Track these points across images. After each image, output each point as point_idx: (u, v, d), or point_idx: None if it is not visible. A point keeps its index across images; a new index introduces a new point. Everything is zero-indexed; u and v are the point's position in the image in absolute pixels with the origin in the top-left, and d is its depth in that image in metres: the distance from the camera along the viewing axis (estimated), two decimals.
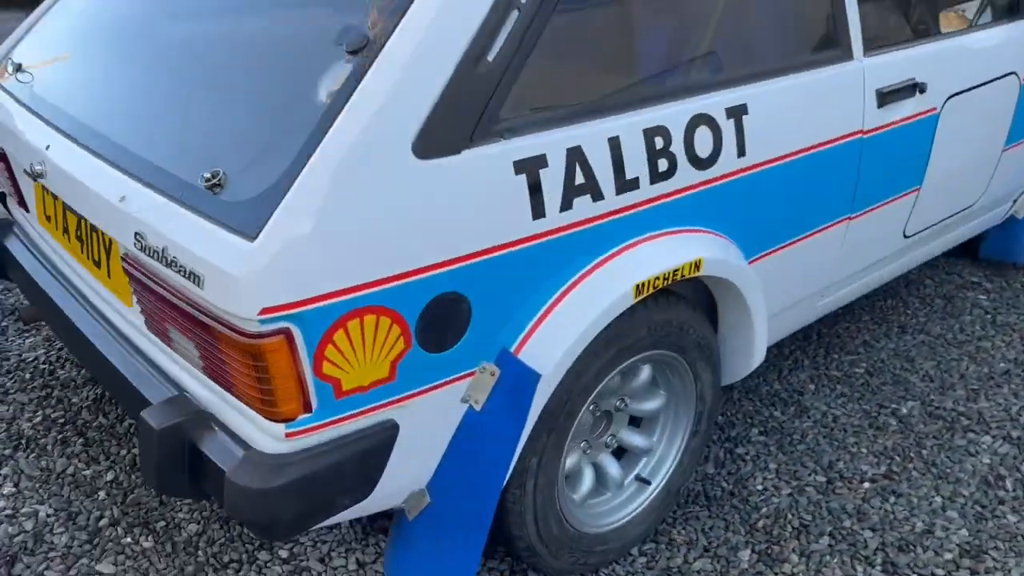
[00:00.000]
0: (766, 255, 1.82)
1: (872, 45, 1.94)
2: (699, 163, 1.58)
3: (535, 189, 1.36)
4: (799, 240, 1.89)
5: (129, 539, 1.81)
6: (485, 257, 1.33)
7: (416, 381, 1.34)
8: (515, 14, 1.34)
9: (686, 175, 1.57)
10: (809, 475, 2.06)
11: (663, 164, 1.53)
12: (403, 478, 1.43)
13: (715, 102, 1.60)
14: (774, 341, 2.12)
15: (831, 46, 1.86)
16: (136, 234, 1.34)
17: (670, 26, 1.60)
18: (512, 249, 1.36)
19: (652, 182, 1.52)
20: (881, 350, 2.57)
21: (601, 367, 1.54)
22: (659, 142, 1.51)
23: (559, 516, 1.62)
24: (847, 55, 1.87)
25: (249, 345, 1.19)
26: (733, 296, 1.74)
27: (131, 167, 1.42)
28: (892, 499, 1.99)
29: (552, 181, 1.38)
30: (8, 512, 1.87)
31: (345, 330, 1.23)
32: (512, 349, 1.42)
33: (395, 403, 1.33)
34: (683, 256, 1.55)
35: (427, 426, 1.40)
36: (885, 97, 1.93)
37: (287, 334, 1.19)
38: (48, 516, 1.87)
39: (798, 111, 1.76)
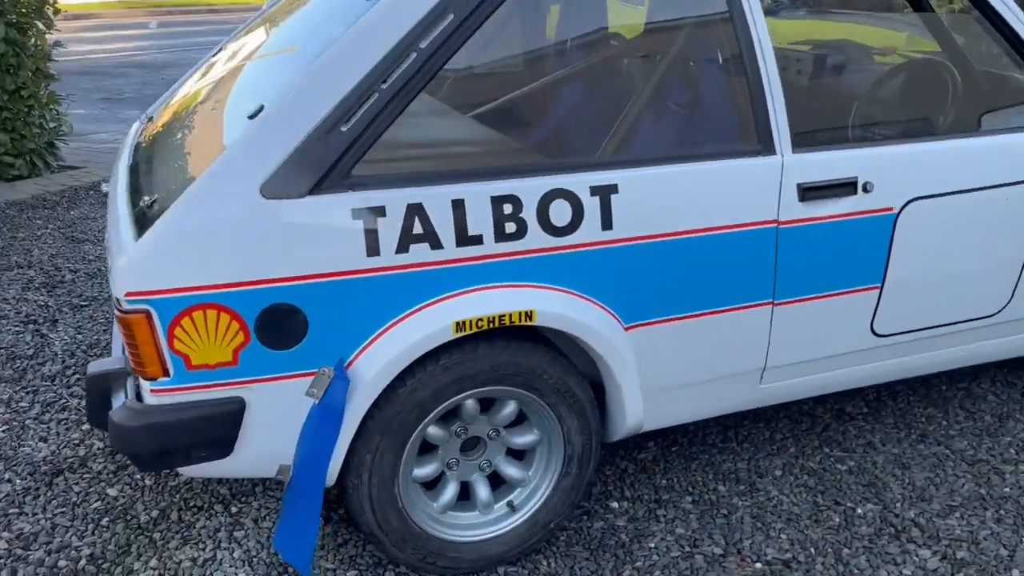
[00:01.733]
0: (650, 324, 1.98)
1: (808, 142, 2.04)
2: (554, 230, 1.83)
3: (371, 233, 1.71)
4: (698, 315, 2.02)
5: (140, 475, 2.35)
6: (320, 280, 1.70)
7: (258, 370, 1.73)
8: (375, 96, 1.72)
9: (537, 239, 1.82)
10: (708, 546, 2.14)
11: (511, 227, 1.80)
12: (263, 450, 1.81)
13: (578, 180, 1.84)
14: (703, 415, 2.23)
15: (748, 141, 2.00)
16: None
17: (535, 111, 1.88)
18: (346, 277, 1.72)
19: (497, 241, 1.80)
20: (880, 453, 2.52)
21: (438, 389, 1.83)
22: (508, 208, 1.79)
23: (400, 513, 1.91)
24: (768, 150, 2.00)
25: (122, 318, 1.66)
26: (594, 354, 1.93)
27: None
28: None
29: (389, 228, 1.72)
30: (72, 437, 2.51)
31: (191, 318, 1.66)
32: (349, 359, 1.76)
33: (241, 384, 1.73)
34: (515, 305, 1.80)
35: (277, 409, 1.78)
36: (809, 192, 2.02)
37: (147, 314, 1.64)
38: (97, 449, 2.47)
39: (688, 195, 1.93)
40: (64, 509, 2.24)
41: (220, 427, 1.75)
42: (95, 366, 1.89)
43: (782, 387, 2.27)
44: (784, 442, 2.58)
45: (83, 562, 2.06)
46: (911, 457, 2.50)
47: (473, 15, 1.79)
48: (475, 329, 1.78)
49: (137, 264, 1.63)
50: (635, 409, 2.02)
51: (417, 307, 1.78)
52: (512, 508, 2.04)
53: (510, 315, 1.80)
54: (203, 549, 2.10)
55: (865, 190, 2.08)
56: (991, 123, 2.34)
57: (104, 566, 2.05)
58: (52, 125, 5.66)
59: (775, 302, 2.09)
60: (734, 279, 2.03)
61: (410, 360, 1.76)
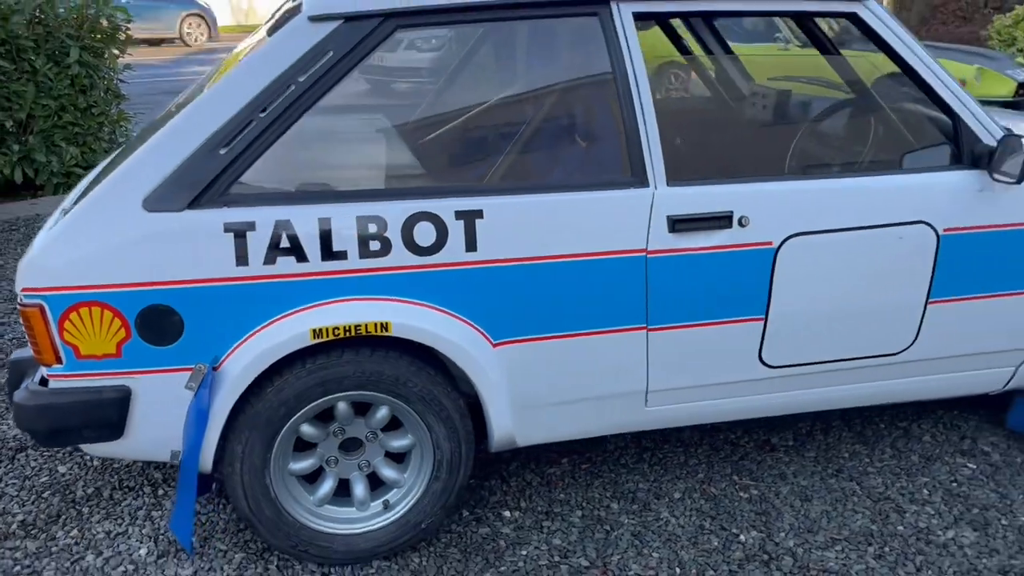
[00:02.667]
0: (520, 341, 2.11)
1: (684, 177, 2.14)
2: (418, 250, 1.99)
3: (241, 245, 1.91)
4: (569, 336, 2.14)
5: (90, 457, 2.62)
6: (193, 286, 1.91)
7: (140, 363, 1.95)
8: (253, 123, 1.93)
9: (400, 257, 1.99)
10: (578, 557, 2.23)
11: (375, 245, 1.97)
12: (151, 435, 2.03)
13: (444, 205, 2.00)
14: (591, 433, 2.33)
15: (622, 174, 2.12)
16: None
17: (407, 141, 2.04)
18: (217, 284, 1.92)
19: (361, 257, 1.97)
20: (788, 484, 2.55)
21: (303, 390, 2.01)
22: (373, 228, 1.96)
23: (273, 502, 2.09)
24: (640, 183, 2.11)
25: (21, 310, 1.91)
26: (455, 367, 2.07)
27: None
28: None
29: (258, 239, 1.92)
30: None
31: (78, 313, 1.89)
32: (221, 357, 1.96)
33: (125, 374, 1.96)
34: (372, 317, 1.97)
35: (160, 399, 1.99)
36: (679, 224, 2.11)
37: (41, 308, 1.88)
38: None
39: (557, 222, 2.05)
40: (16, 481, 2.53)
41: (107, 411, 1.97)
42: (16, 353, 2.15)
43: (671, 411, 2.35)
44: (696, 467, 2.64)
45: (15, 527, 2.32)
46: (816, 490, 2.52)
47: (351, 54, 1.98)
48: (332, 337, 1.96)
49: (33, 263, 1.88)
50: (502, 422, 2.15)
51: (282, 314, 1.96)
52: (387, 507, 2.20)
53: (366, 325, 1.97)
54: (119, 524, 2.33)
55: (741, 224, 2.16)
56: (882, 164, 2.37)
57: (32, 532, 2.31)
58: (121, 140, 6.16)
59: (649, 327, 2.19)
60: (604, 303, 2.13)
61: (270, 361, 1.95)
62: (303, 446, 2.16)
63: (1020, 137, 2.20)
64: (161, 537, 2.29)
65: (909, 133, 2.44)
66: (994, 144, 2.26)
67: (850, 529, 2.35)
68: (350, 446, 2.20)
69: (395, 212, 1.98)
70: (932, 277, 2.32)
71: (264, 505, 2.09)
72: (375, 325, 1.97)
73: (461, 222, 2.01)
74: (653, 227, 2.11)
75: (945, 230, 2.28)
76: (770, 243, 2.18)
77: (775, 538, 2.32)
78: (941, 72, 2.30)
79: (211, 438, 2.00)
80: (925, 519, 2.39)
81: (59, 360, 1.93)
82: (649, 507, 2.45)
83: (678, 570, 2.20)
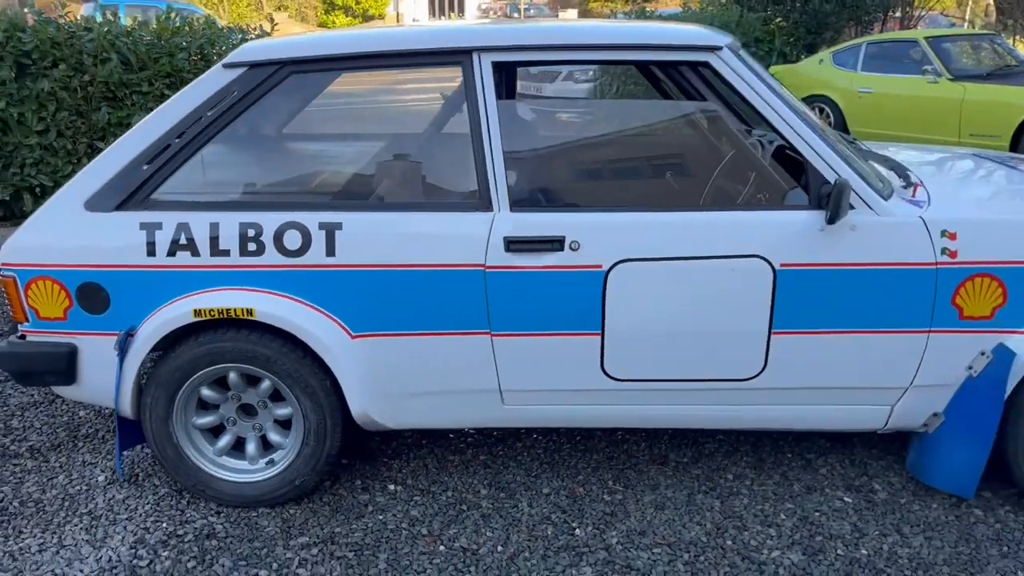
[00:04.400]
0: (376, 336, 2.51)
1: (527, 204, 2.46)
2: (288, 253, 2.46)
3: (150, 240, 2.47)
4: (419, 334, 2.51)
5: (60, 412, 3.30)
6: (115, 269, 2.49)
7: (81, 326, 2.55)
8: (170, 146, 2.49)
9: (272, 257, 2.46)
10: (421, 526, 2.58)
11: (252, 246, 2.46)
12: (96, 384, 2.62)
13: (310, 217, 2.45)
14: (457, 424, 2.68)
15: (471, 199, 2.47)
16: None
17: (287, 165, 2.51)
18: (132, 269, 2.49)
19: (241, 256, 2.47)
20: (655, 494, 2.75)
21: (193, 359, 2.52)
22: (251, 232, 2.46)
23: (175, 447, 2.61)
24: (485, 208, 2.46)
25: (1, 279, 2.57)
26: (311, 352, 2.50)
27: None
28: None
29: (163, 237, 2.47)
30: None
31: (36, 284, 2.53)
32: (137, 327, 2.53)
33: (72, 334, 2.57)
34: (240, 303, 2.45)
35: (100, 356, 2.58)
36: (513, 244, 2.43)
37: (13, 279, 2.54)
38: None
39: (408, 236, 2.44)
40: (43, 417, 3.25)
41: (60, 362, 2.59)
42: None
43: (528, 411, 2.64)
44: (581, 469, 2.89)
45: (24, 449, 3.02)
46: (676, 502, 2.70)
47: (250, 94, 2.50)
48: (208, 317, 2.46)
49: (9, 245, 2.53)
50: (358, 404, 2.55)
51: (179, 297, 2.50)
52: (271, 464, 2.67)
53: (234, 310, 2.45)
54: (95, 456, 2.96)
55: (572, 248, 2.44)
56: (720, 201, 2.54)
57: (35, 454, 2.99)
58: None
59: (493, 333, 2.51)
60: (450, 308, 2.49)
61: (164, 333, 2.48)
62: (208, 406, 2.68)
63: (844, 182, 2.31)
64: (109, 467, 2.90)
65: (776, 174, 2.59)
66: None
67: (679, 537, 2.53)
68: (251, 410, 2.69)
69: (270, 221, 2.46)
70: (772, 308, 2.46)
71: (168, 449, 2.63)
72: (242, 310, 2.46)
73: (324, 232, 2.46)
74: (491, 246, 2.44)
75: (782, 265, 2.43)
76: (600, 266, 2.44)
77: (605, 535, 2.54)
78: (793, 118, 2.45)
79: (126, 390, 2.56)
80: (760, 539, 2.52)
81: (27, 319, 2.57)
82: (513, 497, 2.74)
83: (499, 548, 2.49)
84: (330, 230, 2.46)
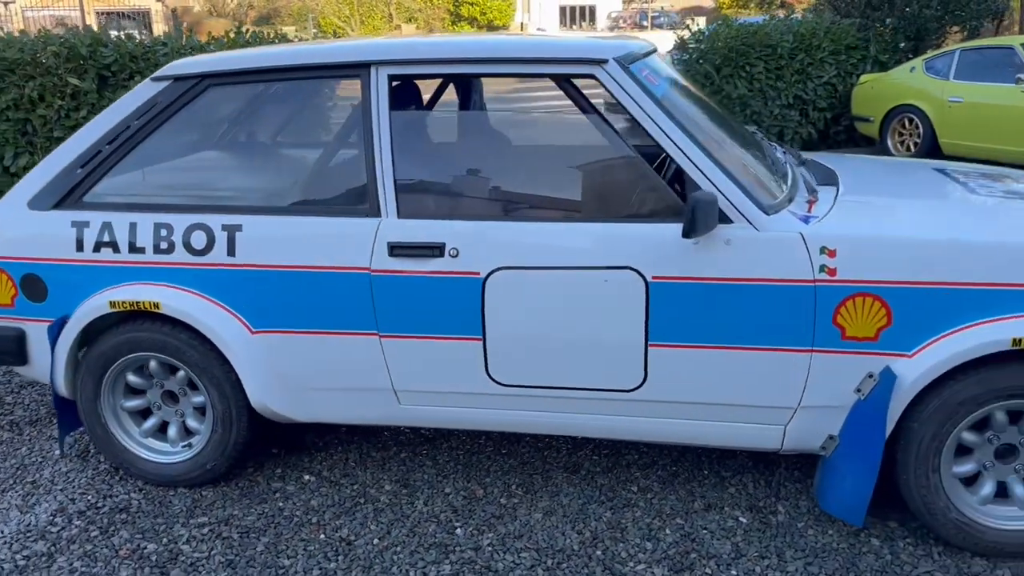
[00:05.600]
0: (273, 332, 2.67)
1: (413, 212, 2.56)
2: (194, 252, 2.66)
3: (79, 236, 2.72)
4: (312, 332, 2.65)
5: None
6: (50, 262, 2.76)
7: (26, 313, 2.84)
8: (101, 152, 2.74)
9: (181, 256, 2.66)
10: (312, 515, 2.71)
11: (163, 246, 2.67)
12: (43, 366, 2.90)
13: (214, 219, 2.64)
14: (356, 420, 2.79)
15: (361, 205, 2.60)
16: None
17: (198, 171, 2.71)
18: (64, 263, 2.75)
19: (154, 253, 2.68)
20: (550, 500, 2.78)
21: (115, 346, 2.75)
22: (164, 232, 2.67)
23: (103, 427, 2.85)
24: (374, 214, 2.58)
25: None
26: (212, 345, 2.68)
27: None
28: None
29: (90, 234, 2.72)
30: None
31: None
32: (70, 316, 2.78)
33: (19, 320, 2.86)
34: (148, 297, 2.66)
35: (44, 342, 2.86)
36: (396, 250, 2.54)
37: None
38: None
39: (301, 239, 2.59)
40: (38, 396, 3.58)
41: (11, 344, 2.88)
42: None
43: (423, 411, 2.73)
44: (493, 472, 2.95)
45: (5, 423, 3.35)
46: (568, 510, 2.72)
47: (172, 104, 2.71)
48: (123, 308, 2.68)
49: None
50: (257, 396, 2.71)
51: (101, 290, 2.74)
52: (189, 448, 2.87)
53: (143, 303, 2.67)
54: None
55: (452, 255, 2.52)
56: (595, 213, 2.54)
57: (14, 428, 3.32)
58: None
59: (381, 334, 2.62)
60: (339, 308, 2.61)
61: (86, 322, 2.72)
62: (137, 391, 2.90)
63: (704, 195, 2.28)
64: (75, 442, 3.18)
65: (662, 187, 2.56)
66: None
67: (552, 544, 2.56)
68: (175, 397, 2.91)
69: (180, 222, 2.67)
70: (647, 321, 2.46)
71: (97, 428, 2.87)
72: (150, 303, 2.67)
73: (226, 233, 2.64)
74: (376, 250, 2.56)
75: (654, 278, 2.42)
76: (478, 273, 2.51)
77: (481, 537, 2.60)
78: (674, 130, 2.44)
79: (59, 373, 2.82)
80: (632, 552, 2.52)
81: None
82: (414, 494, 2.84)
83: (376, 540, 2.59)
84: (231, 232, 2.63)
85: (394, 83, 2.62)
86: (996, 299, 2.28)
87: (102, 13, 27.25)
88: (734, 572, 2.43)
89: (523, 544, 2.56)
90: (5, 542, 2.61)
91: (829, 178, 2.86)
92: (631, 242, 2.43)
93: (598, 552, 2.52)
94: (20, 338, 2.87)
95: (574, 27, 40.16)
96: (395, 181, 2.57)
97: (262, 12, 34.76)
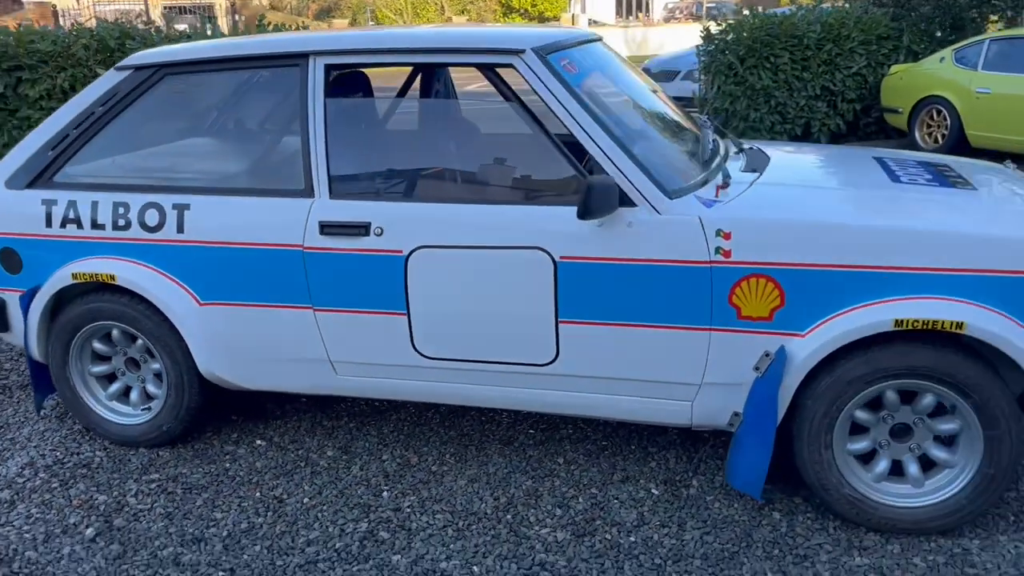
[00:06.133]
0: (219, 304, 2.87)
1: (344, 193, 2.74)
2: (148, 228, 2.88)
3: (48, 213, 2.97)
4: (253, 305, 2.84)
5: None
6: (23, 237, 3.01)
7: (5, 284, 3.10)
8: (68, 136, 2.98)
9: (137, 232, 2.89)
10: (255, 476, 2.92)
11: (121, 223, 2.90)
12: (19, 332, 3.17)
13: (165, 198, 2.85)
14: (300, 389, 2.97)
15: (297, 186, 2.78)
16: None
17: (154, 156, 2.92)
18: (35, 237, 3.00)
19: (113, 229, 2.91)
20: (475, 468, 2.93)
21: (80, 314, 2.99)
22: (121, 210, 2.90)
23: (72, 389, 3.10)
24: (308, 195, 2.76)
25: None
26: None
27: None
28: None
29: (57, 212, 2.96)
30: None
31: None
32: (42, 286, 3.03)
33: (1, 291, 3.12)
34: (105, 270, 2.88)
35: (18, 310, 3.12)
36: (326, 228, 2.72)
37: None
38: None
39: (242, 218, 2.79)
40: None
41: None
42: None
43: (359, 382, 2.91)
44: (434, 441, 3.12)
45: None
46: (493, 478, 2.87)
47: (132, 92, 2.94)
48: (83, 280, 2.92)
49: None
50: (204, 364, 2.92)
51: (67, 263, 2.97)
52: (148, 411, 3.10)
53: (100, 275, 2.90)
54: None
55: (377, 234, 2.68)
56: (512, 195, 2.67)
57: (3, 394, 3.60)
58: None
59: (315, 308, 2.80)
60: (276, 282, 2.80)
61: (53, 292, 2.97)
62: (103, 357, 3.14)
63: (598, 180, 2.40)
64: (56, 405, 3.44)
65: (577, 171, 2.68)
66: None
67: (468, 508, 2.70)
68: (138, 364, 3.14)
69: (136, 200, 2.89)
70: (556, 299, 2.59)
71: (66, 390, 3.12)
72: (106, 276, 2.89)
73: (176, 212, 2.85)
74: (308, 229, 2.74)
75: (561, 258, 2.55)
76: (400, 251, 2.67)
77: (404, 499, 2.77)
78: (584, 117, 2.56)
79: (31, 339, 3.08)
80: (541, 517, 2.65)
81: None
82: (352, 460, 3.02)
83: (306, 500, 2.78)
84: (181, 210, 2.84)
85: (332, 73, 2.79)
86: (880, 282, 2.36)
87: (167, 7, 28.20)
88: (632, 539, 2.55)
89: (441, 507, 2.72)
90: None
91: (758, 165, 2.95)
92: (541, 224, 2.56)
93: (508, 516, 2.67)
94: (2, 307, 3.14)
95: (629, 18, 39.94)
96: (328, 164, 2.74)
97: (323, 6, 35.42)
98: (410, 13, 24.81)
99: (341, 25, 24.74)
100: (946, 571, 2.37)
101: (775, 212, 2.48)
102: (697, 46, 9.56)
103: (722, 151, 3.06)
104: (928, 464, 2.53)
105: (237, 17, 25.97)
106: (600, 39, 3.22)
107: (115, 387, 3.16)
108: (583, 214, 2.41)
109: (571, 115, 2.56)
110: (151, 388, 3.11)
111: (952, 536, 2.51)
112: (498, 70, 2.73)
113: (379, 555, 2.50)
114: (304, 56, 2.79)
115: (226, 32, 7.20)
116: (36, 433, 3.26)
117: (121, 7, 27.70)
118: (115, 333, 3.05)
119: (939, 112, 8.55)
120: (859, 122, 9.54)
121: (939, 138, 8.58)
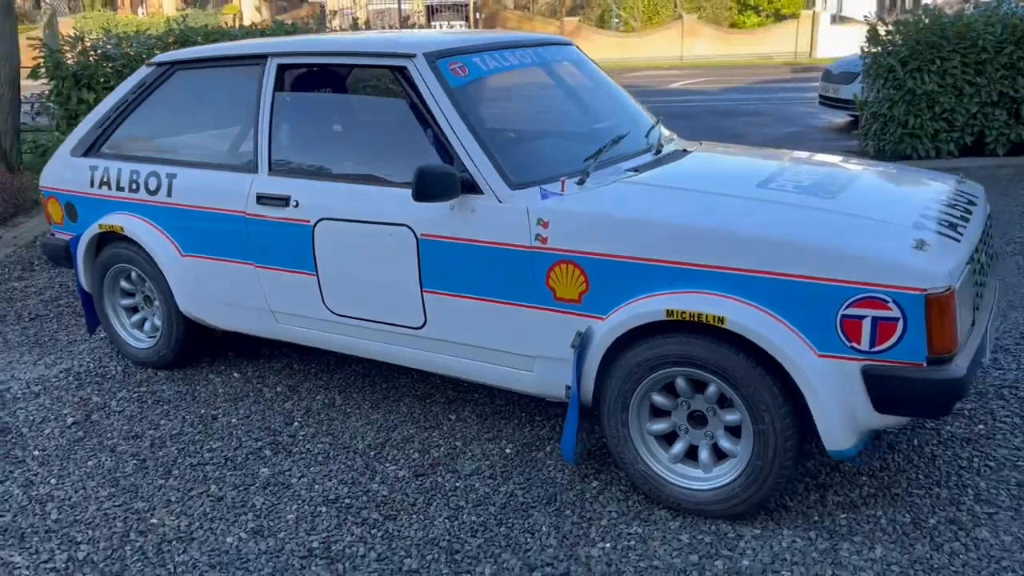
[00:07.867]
0: (192, 256, 3.56)
1: (279, 171, 3.33)
2: (150, 191, 3.64)
3: (93, 176, 3.82)
4: (210, 258, 3.51)
5: None
6: (77, 194, 3.89)
7: (68, 230, 4.00)
8: (111, 116, 3.82)
9: (143, 195, 3.65)
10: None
11: (134, 186, 3.68)
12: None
13: (163, 169, 3.60)
14: (258, 332, 3.59)
15: (246, 163, 3.41)
16: None
17: (167, 135, 3.67)
18: (85, 195, 3.86)
19: (128, 191, 3.70)
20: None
21: (107, 257, 3.81)
22: (135, 176, 3.68)
23: (106, 318, 3.94)
24: (253, 171, 3.38)
25: (43, 197, 4.12)
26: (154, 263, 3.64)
27: None
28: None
29: (97, 176, 3.80)
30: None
31: (49, 201, 4.03)
32: (86, 234, 3.89)
33: (67, 235, 4.03)
34: (116, 223, 3.67)
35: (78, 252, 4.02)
36: (261, 199, 3.32)
37: (43, 197, 4.07)
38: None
39: (207, 185, 3.46)
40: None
41: (62, 252, 4.07)
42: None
43: (295, 331, 3.48)
44: (367, 390, 3.63)
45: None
46: (386, 421, 3.33)
47: (152, 84, 3.71)
48: (106, 230, 3.73)
49: (42, 174, 4.06)
50: (182, 304, 3.63)
51: (102, 217, 3.81)
52: (153, 339, 3.87)
53: (112, 227, 3.69)
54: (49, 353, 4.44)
55: (294, 206, 3.24)
56: (390, 179, 3.07)
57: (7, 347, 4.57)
58: None
59: (256, 265, 3.41)
60: (229, 242, 3.44)
61: (89, 238, 3.81)
62: (130, 294, 3.96)
63: (427, 168, 2.78)
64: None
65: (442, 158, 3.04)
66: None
67: (345, 442, 3.19)
68: (146, 304, 3.92)
69: (144, 170, 3.65)
70: (420, 270, 3.01)
71: (103, 317, 3.97)
72: (119, 227, 3.68)
73: (168, 179, 3.58)
74: (249, 198, 3.35)
75: (422, 235, 2.97)
76: (309, 221, 3.21)
77: (302, 429, 3.30)
78: (452, 115, 2.94)
79: (80, 272, 3.95)
80: (395, 456, 3.08)
81: (51, 223, 4.10)
82: (291, 397, 3.60)
83: (233, 420, 3.40)
84: (171, 179, 3.57)
85: (283, 72, 3.38)
86: (663, 275, 2.56)
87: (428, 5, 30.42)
88: (458, 484, 2.91)
89: (327, 440, 3.23)
90: (18, 382, 3.78)
91: (656, 164, 3.15)
92: (409, 205, 2.98)
93: (372, 452, 3.12)
94: (67, 248, 4.05)
95: (893, 12, 37.46)
96: (269, 146, 3.33)
97: (570, 6, 36.51)
98: (640, 11, 25.12)
99: (572, 25, 25.48)
100: (703, 549, 2.53)
101: (593, 206, 2.74)
102: (861, 47, 9.18)
103: (643, 149, 3.26)
104: (722, 454, 2.67)
105: (478, 15, 27.55)
106: (568, 43, 3.60)
107: (136, 317, 3.97)
108: (415, 196, 2.81)
109: (442, 112, 2.96)
110: (156, 321, 3.88)
111: (740, 522, 2.64)
112: (400, 72, 3.17)
113: (251, 466, 3.06)
114: (264, 57, 3.40)
115: (337, 30, 8.07)
116: (88, 349, 4.15)
117: (378, 7, 30.42)
118: (133, 275, 3.85)
119: None
120: None
121: None
